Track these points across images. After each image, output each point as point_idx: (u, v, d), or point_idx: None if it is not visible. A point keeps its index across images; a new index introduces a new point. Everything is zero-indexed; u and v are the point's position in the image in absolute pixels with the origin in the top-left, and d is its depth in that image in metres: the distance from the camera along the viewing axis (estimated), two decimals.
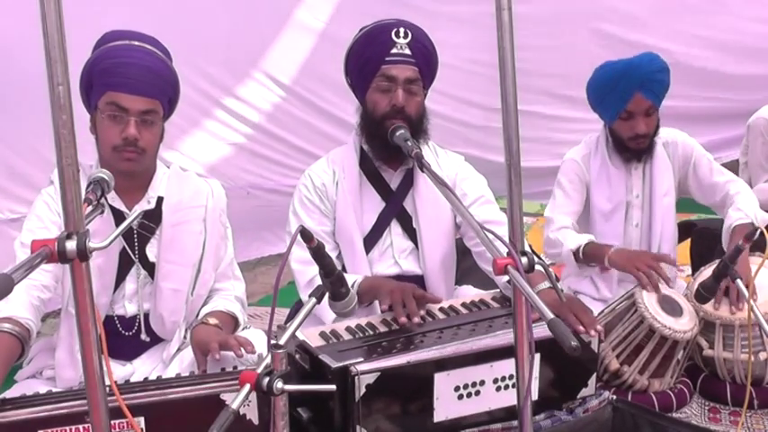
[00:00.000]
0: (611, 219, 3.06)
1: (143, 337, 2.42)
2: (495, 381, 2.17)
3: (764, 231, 2.56)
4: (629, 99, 2.88)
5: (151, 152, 2.33)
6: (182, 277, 2.41)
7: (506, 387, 2.18)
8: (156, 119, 2.30)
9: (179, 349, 2.44)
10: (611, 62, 2.99)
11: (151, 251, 2.40)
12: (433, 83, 2.68)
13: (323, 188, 2.67)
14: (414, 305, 2.34)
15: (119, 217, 2.33)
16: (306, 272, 2.58)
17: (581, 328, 2.27)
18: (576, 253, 2.91)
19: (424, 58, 2.58)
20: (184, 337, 2.45)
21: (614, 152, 3.04)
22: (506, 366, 2.16)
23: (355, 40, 2.63)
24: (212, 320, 2.38)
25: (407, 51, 2.54)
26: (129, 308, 2.40)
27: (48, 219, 2.31)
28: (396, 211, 2.70)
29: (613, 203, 3.05)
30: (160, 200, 2.40)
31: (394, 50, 2.53)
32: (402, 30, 2.54)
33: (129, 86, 2.23)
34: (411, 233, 2.70)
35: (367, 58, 2.58)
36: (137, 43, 2.31)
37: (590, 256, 2.91)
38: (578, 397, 2.33)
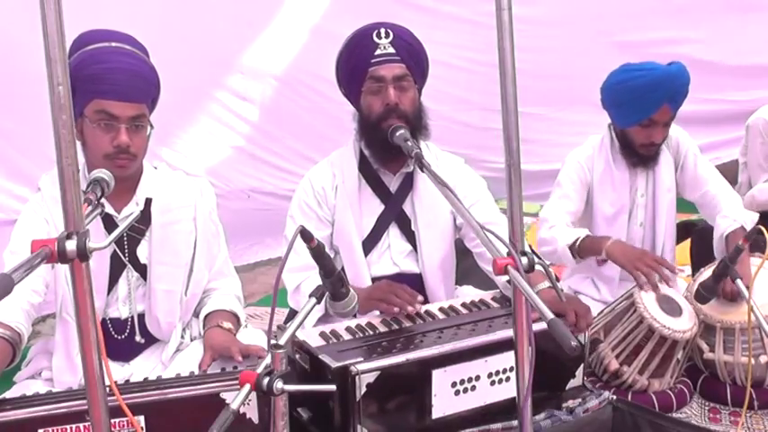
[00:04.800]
0: (614, 222, 3.05)
1: (138, 339, 2.42)
2: (490, 375, 2.18)
3: (764, 231, 2.56)
4: (657, 109, 2.85)
5: (141, 156, 2.33)
6: (175, 278, 2.41)
7: (500, 381, 2.19)
8: (145, 122, 2.29)
9: (178, 350, 2.44)
10: (639, 67, 2.92)
11: (142, 253, 2.39)
12: (426, 78, 2.68)
13: (322, 192, 2.68)
14: (405, 293, 2.37)
15: (108, 220, 2.33)
16: (293, 278, 2.60)
17: (572, 318, 2.28)
18: (572, 247, 2.88)
19: (409, 53, 2.58)
20: (182, 338, 2.46)
21: (619, 155, 3.03)
22: (500, 361, 2.18)
23: (341, 50, 2.65)
24: (227, 324, 2.38)
25: (391, 50, 2.55)
26: (122, 310, 2.40)
27: (35, 226, 2.29)
28: (395, 214, 2.70)
29: (617, 207, 3.04)
30: (148, 201, 2.39)
31: (378, 51, 2.54)
32: (383, 30, 2.56)
33: (119, 94, 2.21)
34: (410, 236, 2.71)
35: (353, 64, 2.59)
36: (115, 44, 2.29)
37: (587, 249, 2.88)
38: (567, 389, 2.34)
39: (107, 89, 2.21)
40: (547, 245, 2.97)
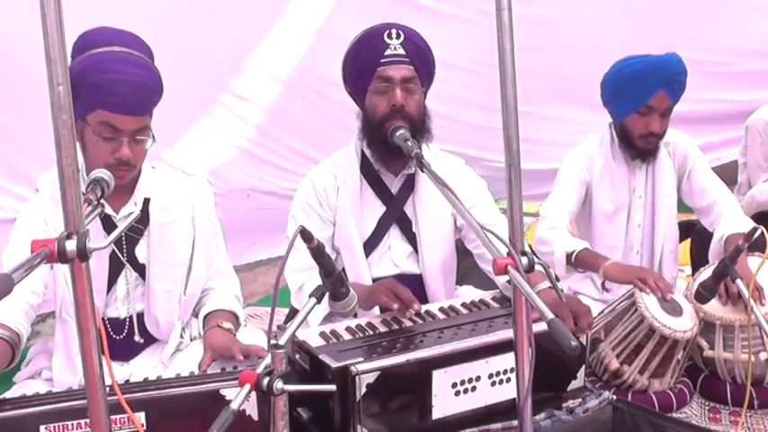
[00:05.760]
0: (613, 220, 3.05)
1: (137, 338, 2.42)
2: (491, 376, 2.18)
3: (764, 231, 2.56)
4: (652, 94, 2.87)
5: (141, 164, 2.32)
6: (173, 277, 2.41)
7: (501, 382, 2.19)
8: (147, 134, 2.27)
9: (177, 349, 2.44)
10: (636, 56, 2.96)
11: (140, 253, 2.39)
12: (432, 81, 2.68)
13: (324, 193, 2.68)
14: (408, 294, 2.36)
15: (106, 220, 2.32)
16: (297, 278, 2.59)
17: (572, 323, 2.28)
18: (569, 256, 2.88)
19: (419, 56, 2.58)
20: (181, 337, 2.46)
21: (619, 151, 3.03)
22: (501, 362, 2.18)
23: (349, 48, 2.64)
24: (226, 324, 2.38)
25: (401, 51, 2.54)
26: (121, 310, 2.40)
27: (34, 227, 2.28)
28: (396, 215, 2.70)
29: (616, 204, 3.04)
30: (147, 201, 2.38)
31: (388, 52, 2.53)
32: (394, 31, 2.55)
33: (123, 107, 2.18)
34: (410, 237, 2.71)
35: (362, 62, 2.58)
36: (119, 49, 2.24)
37: (583, 264, 2.89)
38: (568, 389, 2.34)
39: (111, 101, 2.18)
40: (545, 245, 2.97)
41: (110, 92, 2.18)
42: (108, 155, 2.20)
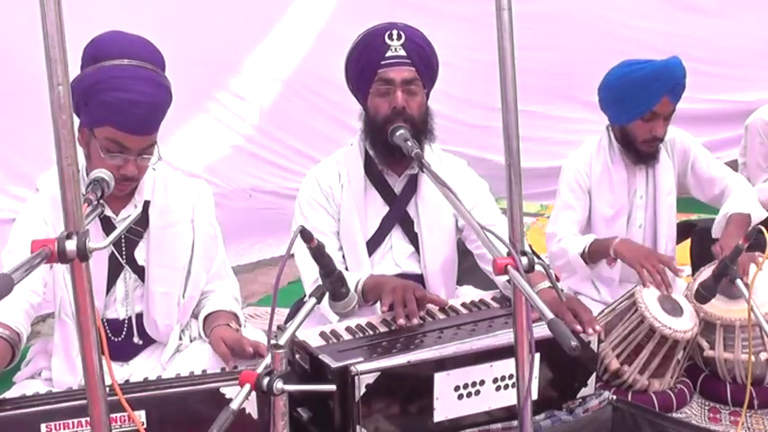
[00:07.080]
0: (613, 224, 3.04)
1: (135, 340, 2.42)
2: (495, 380, 2.17)
3: (764, 231, 2.56)
4: (657, 101, 2.85)
5: (143, 176, 2.32)
6: (172, 280, 2.41)
7: (506, 387, 2.18)
8: (153, 150, 2.26)
9: (177, 350, 2.43)
10: (636, 62, 2.94)
11: (140, 255, 2.39)
12: (435, 82, 2.67)
13: (329, 190, 2.68)
14: (414, 305, 2.33)
15: (106, 222, 2.32)
16: (312, 270, 2.57)
17: (579, 327, 2.27)
18: (582, 255, 2.89)
19: (420, 57, 2.57)
20: (180, 339, 2.45)
21: (617, 155, 3.02)
22: (506, 366, 2.16)
23: (352, 48, 2.63)
24: (234, 325, 2.38)
25: (402, 52, 2.53)
26: (120, 311, 2.40)
27: (34, 226, 2.28)
28: (399, 215, 2.70)
29: (615, 208, 3.03)
30: (146, 203, 2.38)
31: (389, 53, 2.53)
32: (395, 32, 2.54)
33: (133, 128, 2.17)
34: (412, 237, 2.71)
35: (363, 64, 2.58)
36: (128, 63, 2.21)
37: (596, 253, 2.89)
38: (578, 397, 2.33)
39: (123, 121, 2.16)
40: (559, 258, 2.98)
41: (122, 111, 2.16)
42: (113, 169, 2.18)
